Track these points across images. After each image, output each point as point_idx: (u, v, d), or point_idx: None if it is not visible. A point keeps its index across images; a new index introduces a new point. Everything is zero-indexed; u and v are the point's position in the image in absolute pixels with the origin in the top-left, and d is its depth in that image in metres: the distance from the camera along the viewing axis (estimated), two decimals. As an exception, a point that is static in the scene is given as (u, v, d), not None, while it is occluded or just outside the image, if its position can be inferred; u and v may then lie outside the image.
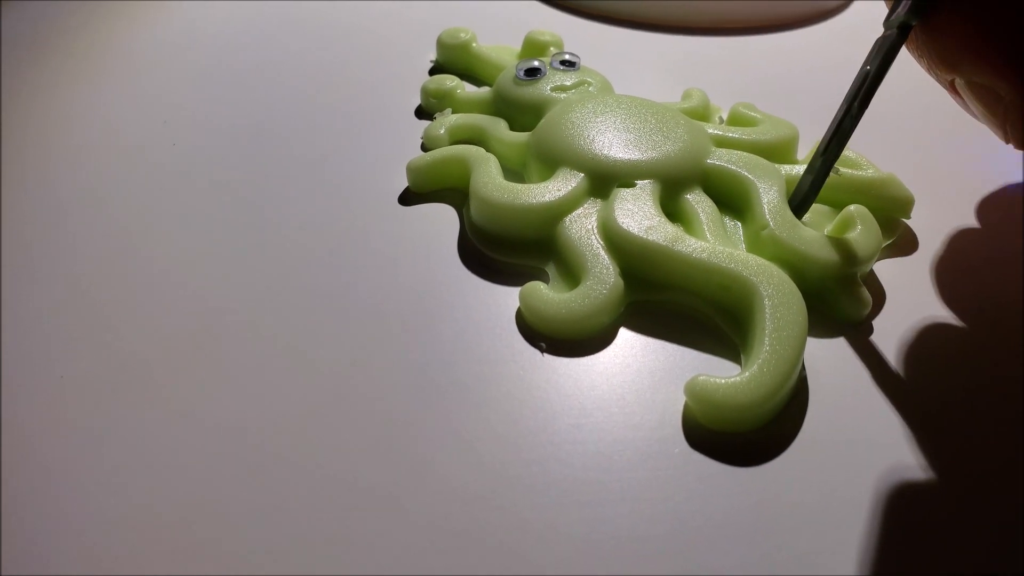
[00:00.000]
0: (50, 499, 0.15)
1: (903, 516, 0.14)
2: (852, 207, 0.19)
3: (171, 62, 0.29)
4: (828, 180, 0.19)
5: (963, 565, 0.14)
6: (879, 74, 0.18)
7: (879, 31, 0.18)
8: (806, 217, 0.19)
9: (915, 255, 0.20)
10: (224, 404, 0.16)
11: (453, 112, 0.25)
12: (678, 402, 0.16)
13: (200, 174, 0.23)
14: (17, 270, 0.20)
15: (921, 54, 0.18)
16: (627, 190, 0.19)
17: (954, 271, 0.19)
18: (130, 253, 0.20)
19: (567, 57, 0.25)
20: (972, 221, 0.21)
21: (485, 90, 0.25)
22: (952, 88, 0.18)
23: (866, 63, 0.18)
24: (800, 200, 0.19)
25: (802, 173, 0.19)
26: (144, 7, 0.33)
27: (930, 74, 0.18)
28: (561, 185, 0.20)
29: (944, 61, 0.17)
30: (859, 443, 0.16)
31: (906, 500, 0.15)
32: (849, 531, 0.14)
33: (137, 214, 0.21)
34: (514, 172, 0.22)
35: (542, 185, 0.20)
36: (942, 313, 0.18)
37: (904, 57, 0.18)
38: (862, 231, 0.18)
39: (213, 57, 0.29)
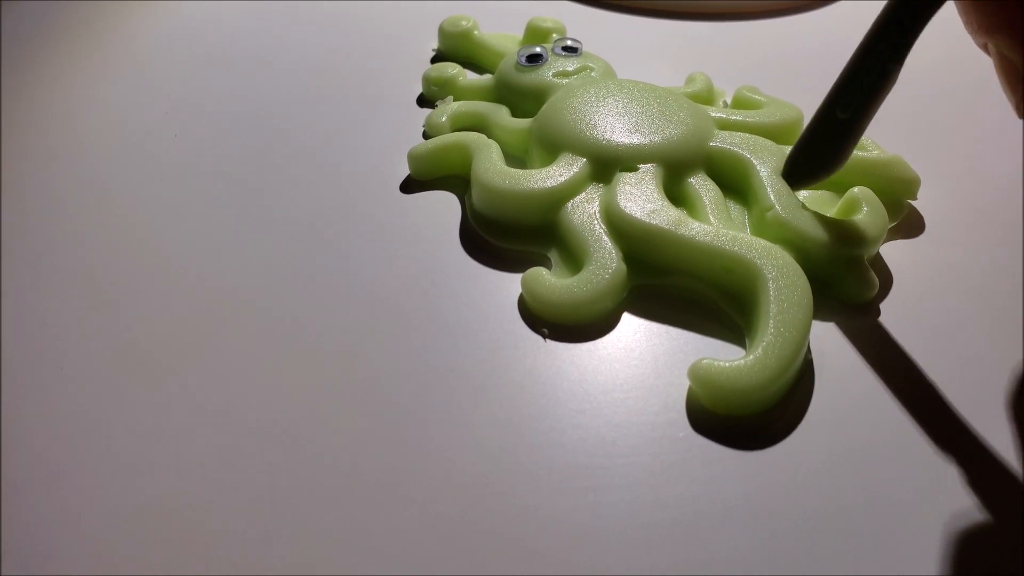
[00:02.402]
0: (51, 491, 0.15)
1: (909, 500, 0.14)
2: (857, 189, 0.19)
3: (172, 54, 0.29)
4: None
5: (968, 548, 0.14)
6: (915, 27, 0.16)
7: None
8: (803, 194, 0.19)
9: (921, 237, 0.20)
10: (227, 392, 0.16)
11: (455, 100, 0.24)
12: (682, 386, 0.16)
13: (202, 165, 0.23)
14: (19, 261, 0.20)
15: (965, 11, 0.16)
16: (630, 174, 0.19)
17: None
18: (133, 244, 0.20)
19: (569, 43, 0.25)
20: (979, 203, 0.21)
21: (487, 77, 0.25)
22: (985, 50, 0.18)
23: (892, 18, 0.16)
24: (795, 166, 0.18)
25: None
26: (144, 2, 0.33)
27: (967, 31, 0.17)
28: (563, 170, 0.19)
29: (981, 25, 0.17)
30: (865, 426, 0.15)
31: (912, 484, 0.14)
32: (854, 515, 0.14)
33: (139, 206, 0.21)
34: (516, 158, 0.22)
35: (544, 170, 0.20)
36: (949, 296, 0.18)
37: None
38: (868, 213, 0.18)
39: (213, 48, 0.29)
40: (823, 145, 0.18)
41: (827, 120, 0.18)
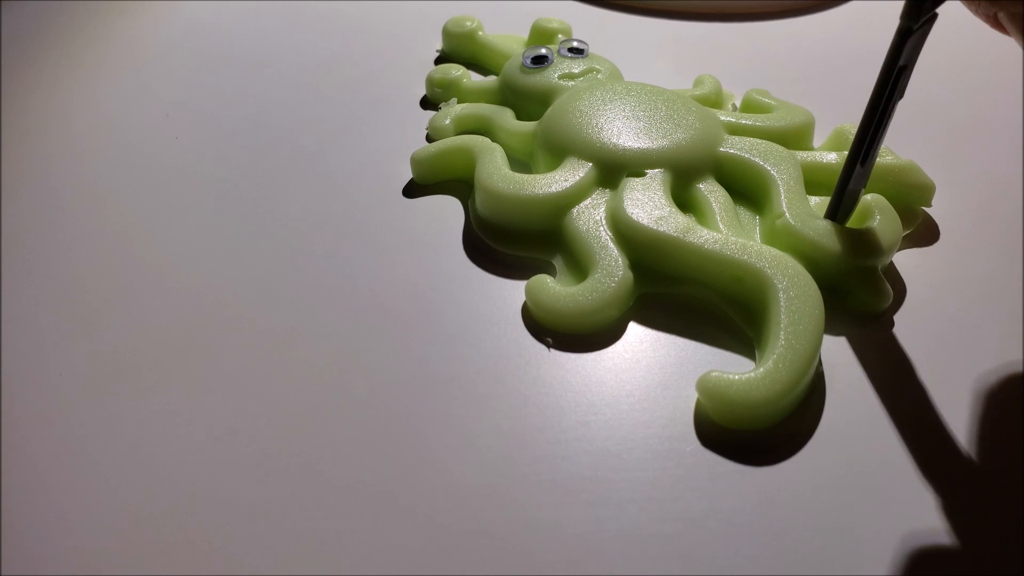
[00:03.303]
0: (50, 496, 0.14)
1: (922, 517, 0.14)
2: (870, 196, 0.18)
3: (173, 56, 0.29)
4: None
5: (980, 563, 0.13)
6: (914, 58, 0.16)
7: (893, 15, 0.17)
8: (815, 201, 0.19)
9: (936, 245, 0.19)
10: (227, 398, 0.16)
11: (459, 102, 0.24)
12: (690, 399, 0.16)
13: (203, 168, 0.23)
14: (17, 266, 0.19)
15: None
16: (637, 179, 0.19)
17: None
18: (133, 248, 0.20)
19: (575, 44, 0.24)
20: (995, 210, 0.20)
21: (491, 79, 0.25)
22: (995, 21, 0.17)
23: (896, 59, 0.17)
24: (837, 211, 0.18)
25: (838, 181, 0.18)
26: (146, 2, 0.32)
27: (973, 12, 0.17)
28: (569, 175, 0.19)
29: None
30: (878, 441, 0.15)
31: (926, 501, 0.14)
32: (865, 533, 0.14)
33: (139, 209, 0.21)
34: (521, 162, 0.22)
35: (549, 175, 0.19)
36: (964, 306, 0.18)
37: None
38: (881, 221, 0.18)
39: (215, 50, 0.29)
40: (849, 191, 0.18)
41: (850, 172, 0.17)
